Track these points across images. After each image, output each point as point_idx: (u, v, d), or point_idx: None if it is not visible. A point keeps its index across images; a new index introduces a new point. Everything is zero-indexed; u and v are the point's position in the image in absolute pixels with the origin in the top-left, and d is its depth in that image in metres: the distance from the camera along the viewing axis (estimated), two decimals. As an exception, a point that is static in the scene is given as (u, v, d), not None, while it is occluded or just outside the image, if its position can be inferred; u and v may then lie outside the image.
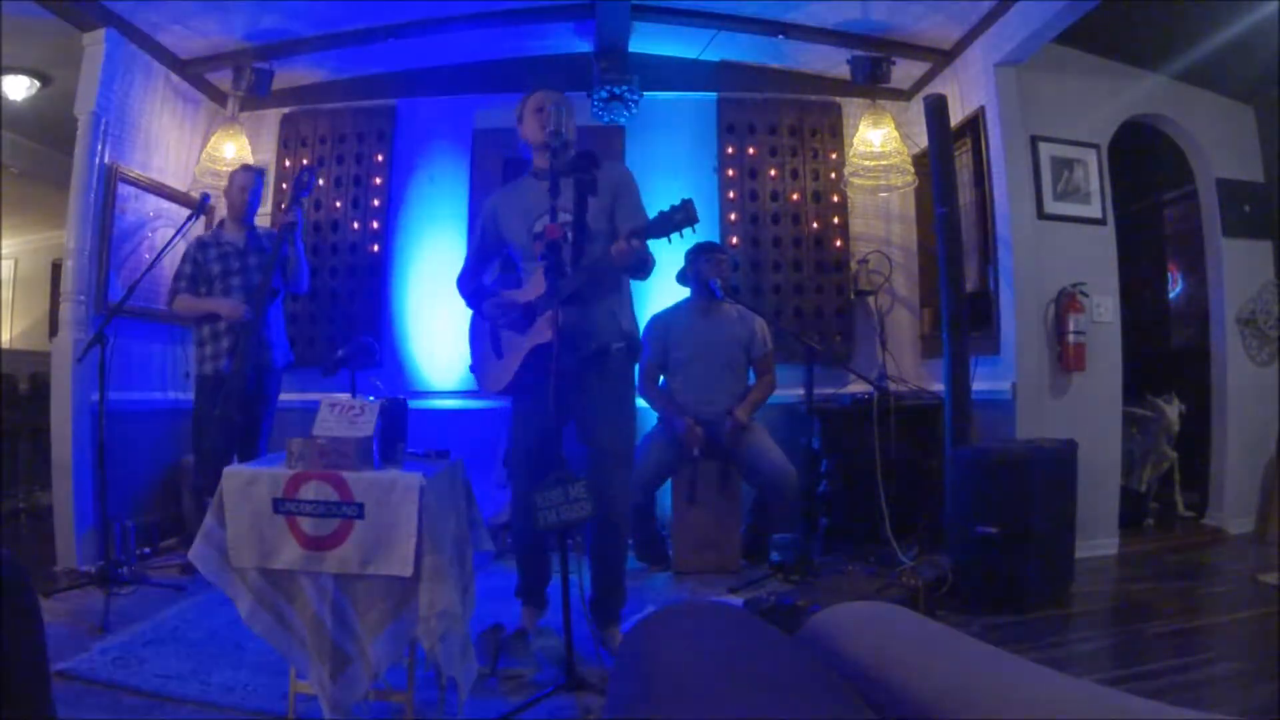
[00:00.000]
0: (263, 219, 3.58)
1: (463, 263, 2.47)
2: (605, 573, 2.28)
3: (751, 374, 3.42)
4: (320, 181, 3.97)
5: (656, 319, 3.39)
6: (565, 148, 2.18)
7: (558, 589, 1.94)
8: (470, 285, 2.38)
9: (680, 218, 1.89)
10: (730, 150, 4.07)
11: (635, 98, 3.73)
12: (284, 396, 3.53)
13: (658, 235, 1.94)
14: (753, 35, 3.70)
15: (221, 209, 3.39)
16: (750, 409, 3.26)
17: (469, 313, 2.44)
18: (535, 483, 1.88)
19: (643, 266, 2.14)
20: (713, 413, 3.21)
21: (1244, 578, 2.97)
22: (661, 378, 3.39)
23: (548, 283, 1.95)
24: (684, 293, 3.41)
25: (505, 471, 3.40)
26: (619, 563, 2.31)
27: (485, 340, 2.34)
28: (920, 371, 3.99)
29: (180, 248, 3.19)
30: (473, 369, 2.44)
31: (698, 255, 3.28)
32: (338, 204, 4.03)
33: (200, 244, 3.15)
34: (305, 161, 3.99)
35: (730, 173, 4.06)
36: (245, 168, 3.34)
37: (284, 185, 4.01)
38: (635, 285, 2.37)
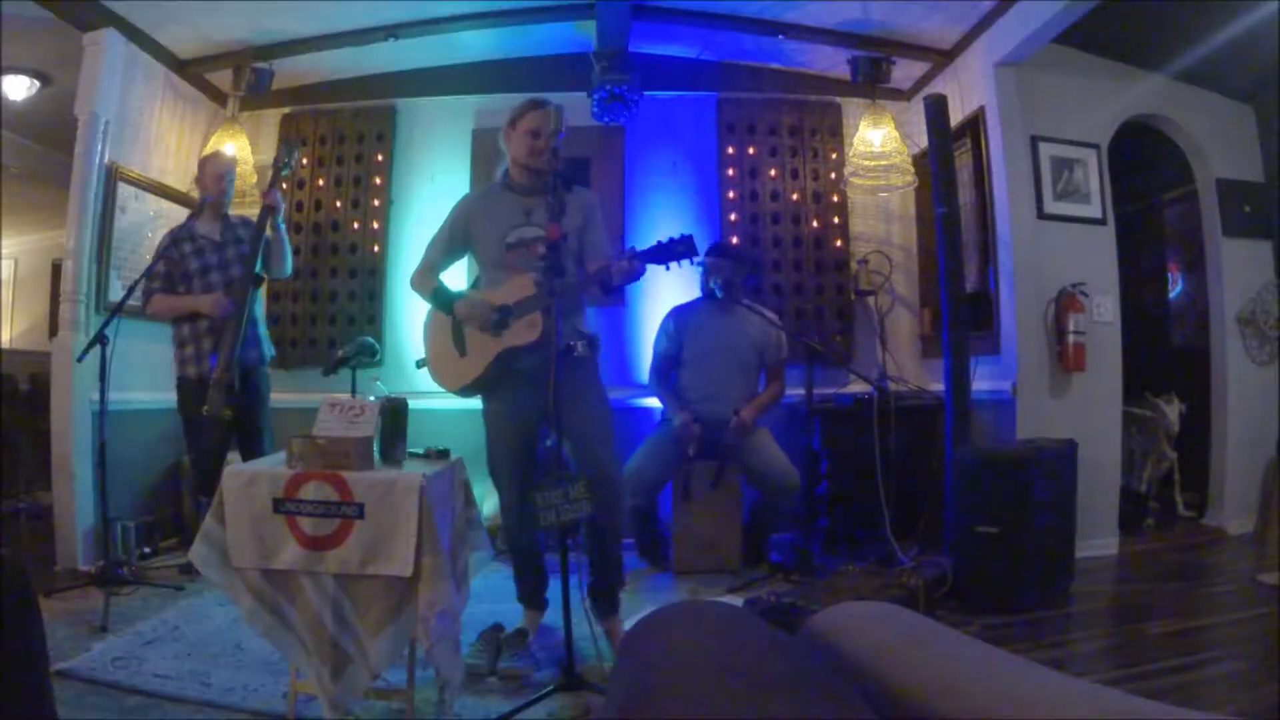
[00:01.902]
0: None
1: (422, 260, 2.42)
2: (602, 553, 2.27)
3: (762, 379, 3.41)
4: (304, 161, 3.91)
5: (675, 312, 3.38)
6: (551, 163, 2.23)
7: (556, 589, 1.94)
8: (429, 283, 2.37)
9: (681, 250, 2.06)
10: (730, 150, 4.06)
11: (635, 98, 3.73)
12: (284, 396, 3.52)
13: (658, 261, 2.08)
14: (753, 35, 3.70)
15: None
16: (756, 411, 3.24)
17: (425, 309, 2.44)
18: (526, 485, 1.89)
19: (632, 282, 2.24)
20: (717, 412, 3.20)
21: (1244, 578, 2.97)
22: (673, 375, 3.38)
23: (545, 283, 1.98)
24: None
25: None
26: (615, 541, 2.31)
27: (445, 337, 2.34)
28: (920, 371, 3.99)
29: None
30: (426, 364, 2.44)
31: (708, 256, 3.30)
32: (338, 204, 4.03)
33: (173, 239, 2.91)
34: (305, 161, 3.99)
35: (730, 172, 4.05)
36: (218, 154, 3.18)
37: (284, 185, 4.00)
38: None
